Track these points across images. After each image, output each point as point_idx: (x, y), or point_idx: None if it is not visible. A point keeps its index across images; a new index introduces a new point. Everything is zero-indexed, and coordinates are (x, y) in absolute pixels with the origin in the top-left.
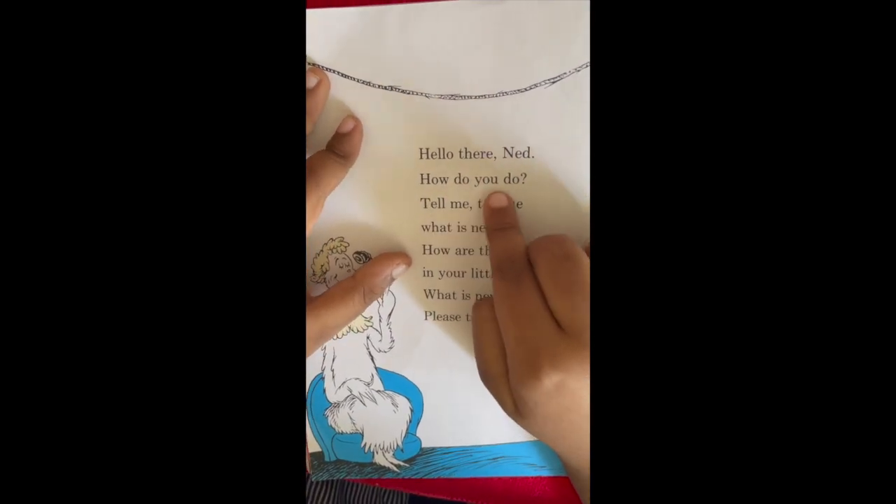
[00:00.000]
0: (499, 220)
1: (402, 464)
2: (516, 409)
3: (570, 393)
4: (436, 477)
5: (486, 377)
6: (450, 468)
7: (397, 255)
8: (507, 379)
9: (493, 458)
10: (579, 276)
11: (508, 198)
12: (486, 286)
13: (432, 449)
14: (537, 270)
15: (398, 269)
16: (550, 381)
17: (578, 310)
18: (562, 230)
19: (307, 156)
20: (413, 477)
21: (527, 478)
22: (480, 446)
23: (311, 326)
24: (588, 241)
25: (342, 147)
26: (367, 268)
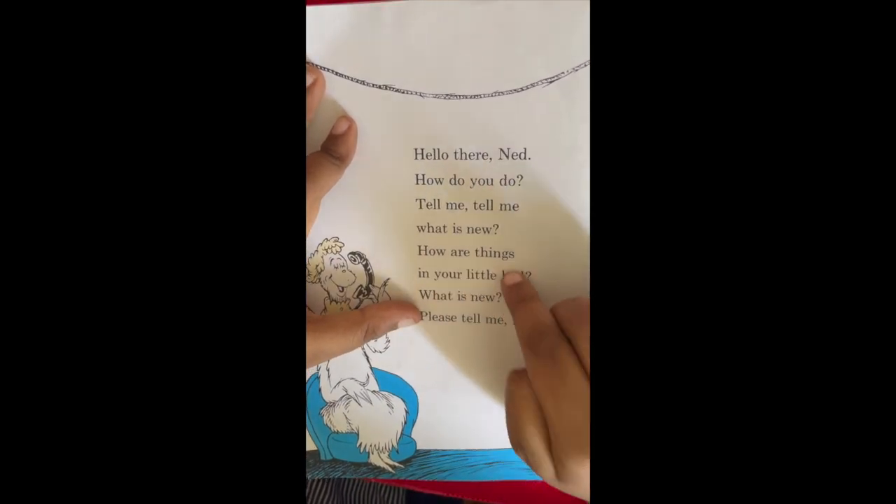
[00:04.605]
0: (517, 293)
1: (397, 465)
2: (557, 475)
3: None
4: (431, 479)
5: (522, 449)
6: (445, 471)
7: (410, 308)
8: (547, 451)
9: (489, 463)
10: None
11: (521, 274)
12: (481, 287)
13: (427, 451)
14: (577, 343)
15: (405, 322)
16: None
17: None
18: (557, 232)
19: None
20: (409, 479)
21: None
22: (476, 450)
23: (309, 346)
24: (584, 245)
25: (337, 149)
26: (377, 309)
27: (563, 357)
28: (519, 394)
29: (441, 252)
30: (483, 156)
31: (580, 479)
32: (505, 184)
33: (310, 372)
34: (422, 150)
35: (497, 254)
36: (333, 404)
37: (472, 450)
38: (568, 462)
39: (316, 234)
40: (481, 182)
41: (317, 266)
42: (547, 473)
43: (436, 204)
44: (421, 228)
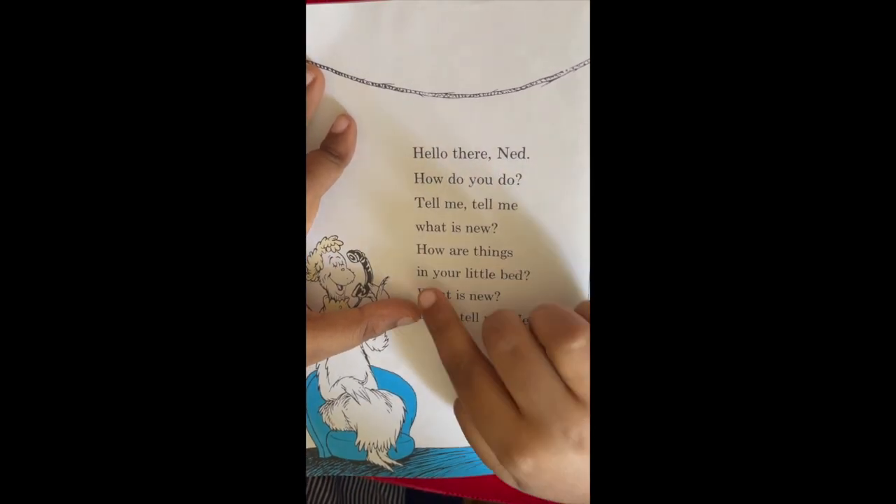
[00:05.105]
0: (433, 318)
1: (395, 463)
2: (518, 483)
3: (548, 470)
4: (430, 477)
5: (487, 464)
6: (444, 469)
7: (410, 306)
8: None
9: None
10: (527, 370)
11: (437, 292)
12: (479, 286)
13: (426, 450)
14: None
15: (404, 320)
16: (526, 465)
17: (533, 402)
18: (556, 231)
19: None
20: (407, 477)
21: None
22: None
23: (308, 345)
24: (583, 244)
25: (337, 147)
26: (376, 307)
27: (477, 383)
28: (461, 419)
29: (440, 251)
30: (482, 155)
31: (528, 486)
32: (504, 183)
33: (309, 370)
34: (421, 148)
35: (496, 253)
36: (332, 402)
37: (469, 447)
38: (508, 472)
39: (315, 232)
40: (480, 181)
41: (316, 264)
42: (511, 483)
43: (435, 203)
44: (420, 227)
